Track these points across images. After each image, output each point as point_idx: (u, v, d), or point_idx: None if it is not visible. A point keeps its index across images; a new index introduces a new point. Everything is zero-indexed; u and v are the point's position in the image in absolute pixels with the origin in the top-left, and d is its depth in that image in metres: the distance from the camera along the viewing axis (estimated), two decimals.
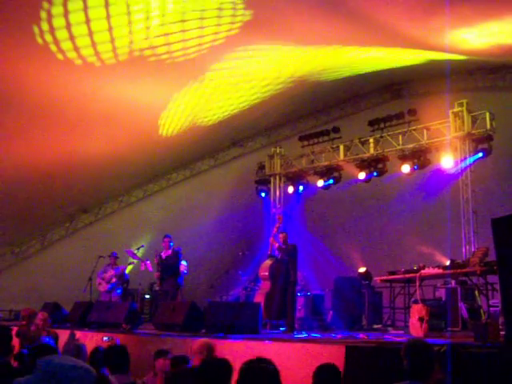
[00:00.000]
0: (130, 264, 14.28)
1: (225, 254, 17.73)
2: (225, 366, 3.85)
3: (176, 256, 12.69)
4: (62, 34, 11.18)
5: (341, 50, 13.98)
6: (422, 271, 10.84)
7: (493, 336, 6.86)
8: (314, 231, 16.78)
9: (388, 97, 18.36)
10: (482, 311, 10.82)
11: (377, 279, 12.62)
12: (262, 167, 17.57)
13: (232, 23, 11.73)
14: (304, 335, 10.11)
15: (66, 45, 11.47)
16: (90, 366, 2.83)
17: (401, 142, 14.30)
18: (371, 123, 14.86)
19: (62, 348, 7.70)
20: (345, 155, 15.42)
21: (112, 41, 11.65)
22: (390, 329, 11.75)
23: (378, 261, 15.19)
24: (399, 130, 14.36)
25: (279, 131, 19.55)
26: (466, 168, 13.18)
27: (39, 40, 11.12)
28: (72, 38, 11.30)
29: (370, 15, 11.77)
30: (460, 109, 13.29)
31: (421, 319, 9.21)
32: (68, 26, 11.00)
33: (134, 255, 13.88)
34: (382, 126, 14.71)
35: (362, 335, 9.72)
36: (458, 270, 10.57)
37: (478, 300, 11.11)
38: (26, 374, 2.85)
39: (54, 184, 16.01)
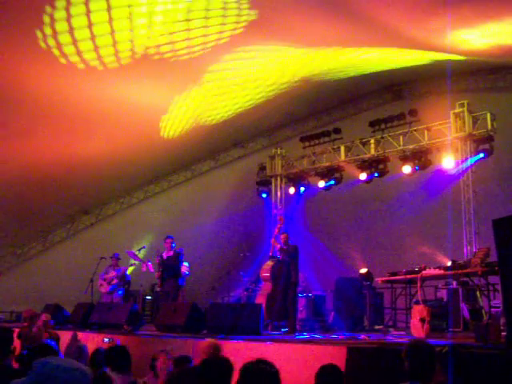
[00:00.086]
0: (131, 265, 14.29)
1: (226, 255, 17.73)
2: (225, 364, 3.86)
3: (177, 257, 12.69)
4: (64, 39, 11.22)
5: (342, 51, 13.99)
6: (424, 272, 10.82)
7: (494, 337, 6.86)
8: (315, 232, 16.78)
9: (389, 97, 18.36)
10: (483, 312, 10.82)
11: (378, 280, 12.60)
12: (263, 168, 17.57)
13: (237, 22, 11.74)
14: (305, 336, 10.11)
15: (69, 49, 11.52)
16: (86, 368, 2.83)
17: (402, 143, 14.30)
18: (372, 124, 14.86)
19: (65, 349, 7.72)
20: (346, 156, 15.42)
21: (114, 44, 11.67)
22: (391, 330, 11.73)
23: (379, 261, 15.18)
24: (400, 131, 14.36)
25: (280, 132, 19.55)
26: (467, 168, 13.17)
27: (42, 44, 11.16)
28: (75, 42, 11.34)
29: (371, 16, 11.77)
30: (461, 109, 13.29)
31: (422, 320, 9.21)
32: (71, 30, 11.04)
33: (135, 256, 13.88)
34: (382, 126, 14.71)
35: (363, 336, 9.71)
36: (460, 271, 10.55)
37: (479, 301, 11.11)
38: (26, 375, 2.85)
39: (55, 185, 16.02)
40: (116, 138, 15.33)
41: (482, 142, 13.05)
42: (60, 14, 10.60)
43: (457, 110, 13.34)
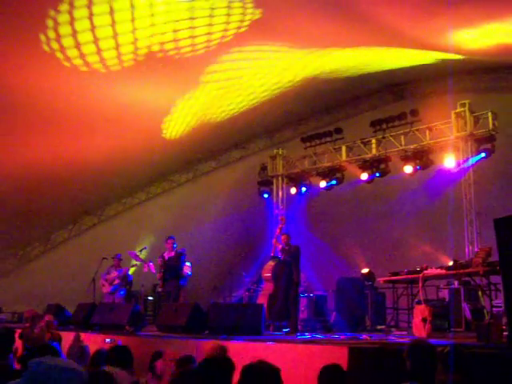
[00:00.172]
0: (132, 266, 14.30)
1: (228, 256, 17.74)
2: (226, 364, 3.86)
3: (179, 258, 12.71)
4: (67, 42, 11.26)
5: (344, 51, 13.99)
6: (425, 272, 10.82)
7: (496, 336, 6.86)
8: (317, 232, 16.76)
9: (390, 97, 18.34)
10: (485, 312, 10.81)
11: (380, 280, 12.60)
12: (264, 168, 17.57)
13: (241, 21, 11.74)
14: (307, 336, 10.11)
15: (72, 52, 11.56)
16: (81, 367, 2.83)
17: (403, 143, 14.29)
18: (373, 124, 14.85)
19: (67, 350, 7.72)
20: (347, 156, 15.41)
21: (117, 47, 11.70)
22: (393, 330, 11.73)
23: (380, 261, 15.18)
24: (401, 131, 14.35)
25: (281, 132, 19.54)
26: (468, 168, 13.16)
27: (46, 48, 11.19)
28: (78, 45, 11.37)
29: (372, 16, 11.77)
30: (462, 109, 13.28)
31: (424, 320, 9.21)
32: (74, 33, 11.07)
33: (136, 257, 13.89)
34: (384, 126, 14.70)
35: (364, 336, 9.72)
36: (461, 271, 10.54)
37: (481, 300, 11.10)
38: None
39: (57, 186, 16.04)
40: (118, 139, 15.34)
41: (484, 142, 13.04)
42: (63, 18, 10.63)
43: (458, 110, 13.33)
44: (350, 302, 12.92)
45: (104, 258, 13.70)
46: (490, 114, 12.97)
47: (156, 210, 19.22)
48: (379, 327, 12.30)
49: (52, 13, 10.45)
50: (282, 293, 11.20)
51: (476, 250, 12.02)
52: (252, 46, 13.29)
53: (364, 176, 14.90)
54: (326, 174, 15.85)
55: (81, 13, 10.63)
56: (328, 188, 15.87)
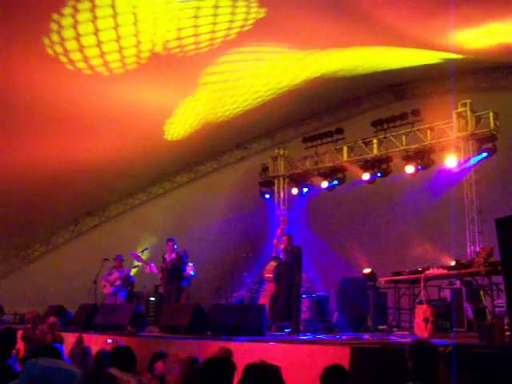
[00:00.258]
0: (134, 267, 14.30)
1: (229, 256, 17.73)
2: (227, 364, 3.86)
3: (180, 259, 12.73)
4: (71, 45, 11.29)
5: (346, 52, 14.00)
6: (427, 272, 10.81)
7: (498, 336, 6.85)
8: (319, 232, 16.75)
9: (391, 97, 18.34)
10: (487, 311, 10.81)
11: (381, 280, 12.59)
12: (265, 169, 17.56)
13: (245, 20, 11.74)
14: (309, 337, 10.10)
15: (76, 55, 11.59)
16: (75, 369, 2.84)
17: (404, 143, 14.28)
18: (374, 124, 14.84)
19: (70, 351, 7.71)
20: (348, 156, 15.40)
21: (120, 50, 11.74)
22: (395, 330, 11.73)
23: (382, 261, 15.16)
24: (403, 131, 14.33)
25: (283, 133, 19.55)
26: (470, 168, 13.15)
27: (50, 51, 11.22)
28: (81, 48, 11.40)
29: (374, 17, 11.78)
30: (463, 109, 13.27)
31: (426, 320, 9.20)
32: (77, 36, 11.11)
33: (138, 258, 13.90)
34: (385, 126, 14.68)
35: (366, 336, 9.72)
36: (463, 271, 10.53)
37: (483, 300, 11.09)
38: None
39: (58, 187, 16.06)
40: (119, 140, 15.36)
41: (485, 142, 13.03)
42: (67, 21, 10.66)
43: (459, 110, 13.31)
44: (351, 302, 12.90)
45: (105, 259, 13.71)
46: (491, 113, 12.96)
47: (157, 210, 19.24)
48: (381, 327, 12.30)
49: (56, 16, 10.48)
50: (283, 293, 11.19)
51: (478, 249, 12.01)
52: (255, 47, 13.30)
53: (365, 176, 14.89)
54: (328, 174, 15.84)
55: (84, 16, 10.67)
56: (329, 188, 15.85)
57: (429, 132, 13.89)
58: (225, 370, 3.76)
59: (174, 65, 12.87)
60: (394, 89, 18.15)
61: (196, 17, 11.37)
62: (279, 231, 12.14)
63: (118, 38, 11.43)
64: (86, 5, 10.42)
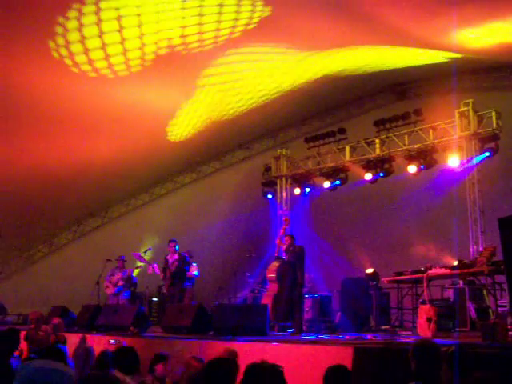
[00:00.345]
0: (137, 267, 14.32)
1: (232, 257, 17.74)
2: (230, 365, 3.86)
3: (182, 260, 12.74)
4: (76, 48, 11.33)
5: (348, 52, 14.00)
6: (430, 271, 10.80)
7: (501, 336, 6.84)
8: (321, 232, 16.75)
9: (393, 97, 18.32)
10: (490, 311, 10.79)
11: (384, 280, 12.57)
12: (268, 169, 17.56)
13: (250, 18, 11.73)
14: (312, 337, 10.10)
15: (81, 58, 11.64)
16: (67, 369, 2.85)
17: (407, 142, 14.27)
18: (377, 124, 14.83)
19: (73, 352, 7.73)
20: (351, 156, 15.40)
21: (124, 52, 11.77)
22: (397, 330, 11.71)
23: (385, 261, 15.15)
24: (405, 130, 14.32)
25: (285, 133, 19.55)
26: (472, 167, 13.13)
27: (55, 54, 11.25)
28: (86, 51, 11.43)
29: (376, 17, 11.78)
30: (466, 108, 13.25)
31: (429, 320, 9.19)
32: (82, 39, 11.14)
33: (141, 258, 13.92)
34: (387, 126, 14.67)
35: (369, 336, 9.71)
36: (466, 270, 10.51)
37: (486, 300, 11.07)
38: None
39: (61, 188, 16.08)
40: (122, 141, 15.38)
41: (488, 141, 13.01)
42: (72, 24, 10.69)
43: (462, 109, 13.30)
44: (354, 302, 12.89)
45: (108, 260, 13.72)
46: (493, 113, 12.95)
47: (160, 211, 19.26)
48: (384, 327, 12.28)
49: (61, 20, 10.51)
50: (286, 293, 11.19)
51: (480, 249, 12.00)
52: (260, 48, 13.31)
53: (368, 176, 14.88)
54: (330, 174, 15.84)
55: (89, 19, 10.71)
56: (332, 188, 15.85)
57: (431, 132, 13.88)
58: (227, 372, 3.76)
59: (178, 64, 12.88)
60: (396, 88, 18.13)
61: (201, 15, 11.36)
62: (282, 231, 12.14)
63: (123, 41, 11.47)
64: (91, 8, 10.45)
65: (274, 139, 19.64)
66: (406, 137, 14.30)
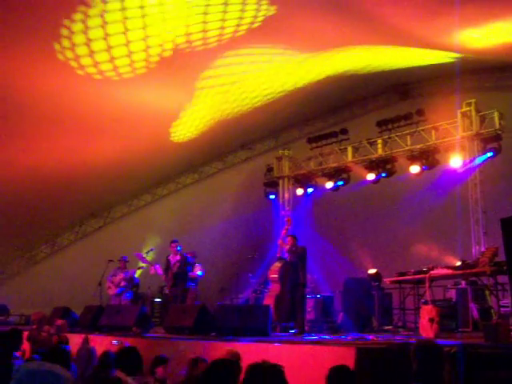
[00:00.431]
0: (139, 268, 14.33)
1: (234, 257, 17.73)
2: (232, 365, 3.86)
3: (184, 261, 12.75)
4: (81, 50, 11.36)
5: (350, 52, 13.99)
6: (432, 272, 10.79)
7: (503, 336, 6.84)
8: (323, 233, 16.74)
9: (396, 97, 18.30)
10: (492, 311, 10.78)
11: (386, 280, 12.57)
12: (270, 170, 17.56)
13: (255, 16, 11.73)
14: (314, 337, 10.09)
15: (86, 60, 11.66)
16: (66, 373, 2.84)
17: (409, 143, 14.26)
18: (379, 124, 14.83)
19: (76, 352, 7.74)
20: (353, 156, 15.39)
21: (129, 55, 11.79)
22: (400, 330, 11.71)
23: (387, 262, 15.14)
24: (407, 131, 14.32)
25: (287, 133, 19.55)
26: (475, 168, 13.12)
27: (60, 57, 11.28)
28: (91, 53, 11.45)
29: (378, 17, 11.78)
30: (468, 108, 13.25)
31: (431, 320, 9.18)
32: (88, 42, 11.17)
33: (143, 259, 13.92)
34: (390, 126, 14.67)
35: (372, 337, 9.70)
36: (468, 271, 10.50)
37: (488, 300, 11.07)
38: None
39: (63, 188, 16.09)
40: (124, 141, 15.39)
41: (490, 141, 13.01)
42: (77, 27, 10.72)
43: (464, 110, 13.29)
44: (356, 302, 12.89)
45: (110, 261, 13.74)
46: (496, 113, 12.94)
47: (162, 211, 19.26)
48: (386, 328, 12.27)
49: (67, 22, 10.53)
50: (288, 294, 11.19)
51: (483, 249, 11.98)
52: (263, 49, 13.31)
53: (370, 176, 14.88)
54: (332, 174, 15.83)
55: (94, 22, 10.73)
56: (334, 189, 15.85)
57: (433, 132, 13.87)
58: (230, 372, 3.77)
59: (182, 64, 12.86)
60: (398, 89, 18.11)
61: (205, 13, 11.35)
62: (284, 232, 12.14)
63: (128, 43, 11.49)
64: (97, 10, 10.46)
65: (276, 139, 19.64)
66: (408, 137, 14.30)
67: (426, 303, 10.32)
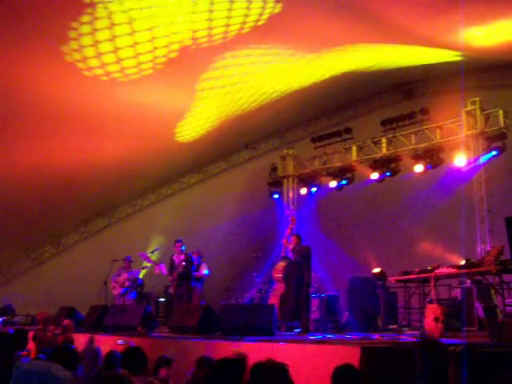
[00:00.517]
0: (143, 268, 14.34)
1: (239, 257, 17.74)
2: (238, 365, 3.87)
3: (188, 260, 12.76)
4: (89, 52, 11.40)
5: (354, 51, 13.98)
6: (437, 271, 10.78)
7: (509, 335, 6.82)
8: (328, 232, 16.74)
9: (400, 96, 18.26)
10: (497, 310, 10.75)
11: (391, 279, 12.56)
12: (274, 169, 17.55)
13: (260, 14, 11.72)
14: (319, 337, 10.09)
15: (93, 62, 11.70)
16: (65, 373, 2.85)
17: (413, 142, 14.24)
18: (383, 123, 14.81)
19: (81, 352, 7.76)
20: (357, 156, 15.38)
21: (136, 56, 11.81)
22: (405, 329, 11.69)
23: (392, 261, 15.12)
24: (412, 130, 14.30)
25: (291, 133, 19.53)
26: (479, 166, 13.08)
27: (68, 58, 11.33)
28: (99, 55, 11.49)
29: (383, 16, 11.76)
30: (473, 107, 13.22)
31: (436, 319, 9.16)
32: (95, 43, 11.20)
33: (148, 259, 13.95)
34: (394, 125, 14.65)
35: (377, 336, 9.69)
36: (473, 269, 10.49)
37: (493, 299, 11.03)
38: None
39: (68, 188, 16.12)
40: (128, 141, 15.41)
41: (495, 140, 12.96)
42: (85, 29, 10.75)
43: (468, 108, 13.26)
44: (361, 301, 12.89)
45: (115, 260, 13.76)
46: (500, 111, 12.90)
47: (166, 211, 19.27)
48: (391, 327, 12.26)
49: (75, 24, 10.56)
50: (293, 293, 11.20)
51: (488, 248, 11.96)
52: (265, 49, 13.30)
53: (374, 175, 14.85)
54: (337, 173, 15.82)
55: (102, 24, 10.77)
56: (338, 188, 15.83)
57: (438, 131, 13.85)
58: (234, 372, 3.77)
59: (188, 63, 12.87)
60: (402, 88, 18.08)
61: (211, 11, 11.35)
62: (288, 231, 12.15)
63: (135, 44, 11.52)
64: (104, 12, 10.49)
65: (280, 139, 19.62)
66: (412, 136, 14.28)
67: (431, 302, 10.31)
